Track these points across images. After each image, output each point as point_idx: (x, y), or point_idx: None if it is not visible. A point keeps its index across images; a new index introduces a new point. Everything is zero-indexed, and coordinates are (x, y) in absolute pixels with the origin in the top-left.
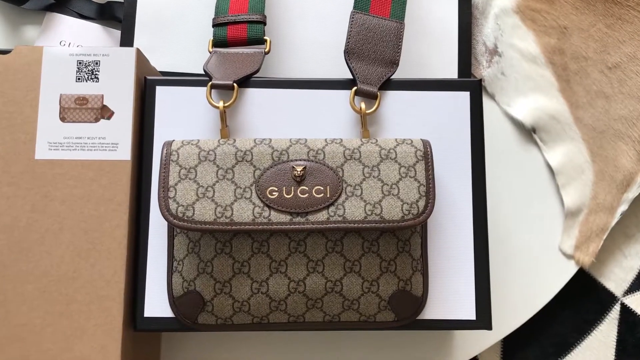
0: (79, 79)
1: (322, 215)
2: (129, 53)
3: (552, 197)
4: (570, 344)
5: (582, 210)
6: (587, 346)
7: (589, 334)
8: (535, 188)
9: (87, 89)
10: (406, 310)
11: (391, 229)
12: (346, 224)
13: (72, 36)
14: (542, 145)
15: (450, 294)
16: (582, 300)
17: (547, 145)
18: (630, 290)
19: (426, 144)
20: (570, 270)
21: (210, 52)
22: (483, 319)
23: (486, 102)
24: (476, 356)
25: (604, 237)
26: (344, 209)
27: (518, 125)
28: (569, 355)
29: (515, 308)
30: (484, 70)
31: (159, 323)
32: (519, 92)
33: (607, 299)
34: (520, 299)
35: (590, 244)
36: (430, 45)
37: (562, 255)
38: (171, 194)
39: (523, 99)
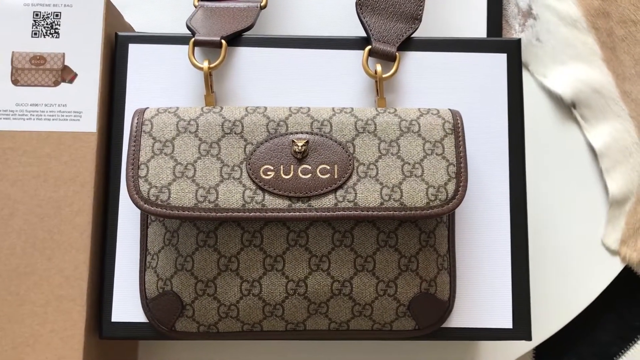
0: (35, 34)
1: (328, 201)
2: (97, 3)
3: (595, 184)
4: (613, 354)
5: (629, 198)
6: (632, 356)
7: (635, 342)
8: (575, 173)
9: (45, 46)
10: (430, 317)
11: (413, 217)
12: (358, 212)
13: None
14: (584, 123)
15: (482, 297)
16: (628, 303)
17: (588, 123)
18: None
19: (456, 115)
20: (615, 268)
21: (195, 6)
22: (521, 328)
23: None
24: None
25: None
26: (356, 193)
27: (556, 99)
28: None
29: (551, 312)
30: (516, 34)
31: (129, 330)
32: (557, 61)
33: None
34: (557, 302)
35: (639, 238)
36: (456, 3)
37: (606, 250)
38: (142, 173)
39: (561, 69)
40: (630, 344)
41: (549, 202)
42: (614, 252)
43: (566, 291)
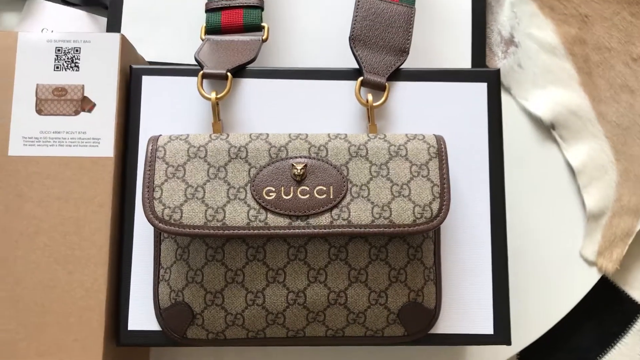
0: (57, 67)
1: (324, 219)
2: (113, 39)
3: (573, 199)
4: (591, 358)
5: (605, 213)
6: None
7: (612, 347)
8: (554, 189)
9: (66, 78)
10: (418, 324)
11: (401, 234)
12: (351, 229)
13: (54, 23)
14: (562, 142)
15: (465, 306)
16: (604, 311)
17: (567, 143)
18: None
19: (440, 140)
20: (593, 278)
21: (202, 40)
22: (501, 334)
23: (502, 96)
24: None
25: (629, 242)
26: (349, 212)
27: (536, 121)
28: None
29: (532, 319)
30: (499, 61)
31: (144, 337)
32: (537, 86)
33: (631, 309)
34: (538, 309)
35: (614, 249)
36: (441, 34)
37: (584, 261)
38: (157, 195)
39: (541, 93)
40: (608, 349)
41: (531, 216)
42: (591, 263)
43: (547, 300)
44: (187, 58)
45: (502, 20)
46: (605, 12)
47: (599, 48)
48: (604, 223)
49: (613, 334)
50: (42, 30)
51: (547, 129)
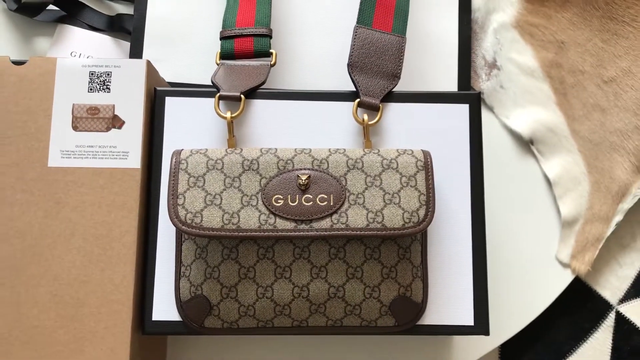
0: (91, 89)
1: (325, 223)
2: (140, 65)
3: (550, 208)
4: (566, 351)
5: (578, 220)
6: (582, 353)
7: (584, 341)
8: (532, 198)
9: (98, 99)
10: (406, 316)
11: (392, 236)
12: (349, 232)
13: (82, 47)
14: (540, 156)
15: (449, 300)
16: (578, 308)
17: (544, 157)
18: (625, 298)
19: (426, 155)
20: (567, 278)
21: (217, 64)
22: (481, 325)
23: (485, 114)
24: None
25: (600, 246)
26: (347, 217)
27: (516, 136)
28: None
29: (513, 315)
30: (483, 83)
31: (167, 326)
32: (517, 105)
33: (602, 307)
34: (518, 307)
35: (586, 253)
36: (431, 59)
37: (559, 264)
38: (180, 201)
39: (521, 111)
40: (581, 343)
41: (511, 223)
42: (565, 265)
43: (526, 298)
44: (201, 78)
45: (486, 46)
46: (579, 39)
47: (573, 71)
48: (577, 229)
49: (585, 330)
50: (71, 53)
51: (526, 144)
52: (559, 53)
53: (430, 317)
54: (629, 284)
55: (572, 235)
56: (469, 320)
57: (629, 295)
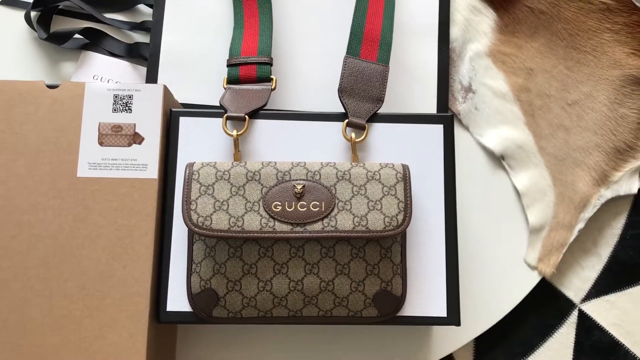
0: (115, 110)
1: (317, 226)
2: (158, 89)
3: (519, 216)
4: (534, 345)
5: (544, 227)
6: (548, 347)
7: (550, 336)
8: (504, 208)
9: (121, 118)
10: (388, 308)
11: (375, 238)
12: (338, 233)
13: (103, 71)
14: (510, 170)
15: (425, 294)
16: (544, 307)
17: (514, 171)
18: (587, 298)
19: (405, 168)
20: (534, 279)
21: (224, 88)
22: (453, 316)
23: (461, 133)
24: (451, 354)
25: (564, 251)
26: (336, 221)
27: (489, 153)
28: (533, 354)
29: (485, 312)
30: (459, 105)
31: (179, 316)
32: (490, 125)
33: (566, 306)
34: (490, 304)
35: (552, 257)
36: (412, 84)
37: (527, 266)
38: (193, 207)
39: (494, 131)
40: (547, 338)
41: (485, 229)
42: (533, 268)
43: (497, 296)
44: (210, 100)
45: (462, 72)
46: (546, 66)
47: (540, 95)
48: (544, 235)
49: (551, 326)
50: (93, 77)
51: (498, 159)
52: (528, 79)
53: (409, 309)
54: (590, 285)
55: (539, 240)
56: (442, 312)
57: (590, 295)
